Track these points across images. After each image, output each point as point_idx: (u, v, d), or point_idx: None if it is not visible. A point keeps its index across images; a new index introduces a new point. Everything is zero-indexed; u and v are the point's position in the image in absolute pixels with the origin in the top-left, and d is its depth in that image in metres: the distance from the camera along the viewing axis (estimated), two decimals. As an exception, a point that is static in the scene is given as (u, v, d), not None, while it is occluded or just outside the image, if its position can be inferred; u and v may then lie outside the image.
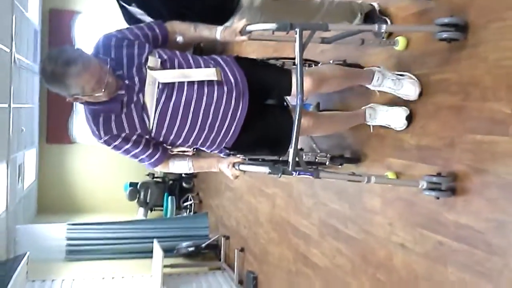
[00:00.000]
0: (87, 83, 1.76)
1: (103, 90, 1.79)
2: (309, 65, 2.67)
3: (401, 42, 2.40)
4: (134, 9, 2.18)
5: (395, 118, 2.38)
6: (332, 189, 3.18)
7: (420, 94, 2.28)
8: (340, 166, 2.86)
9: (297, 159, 1.88)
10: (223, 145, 2.11)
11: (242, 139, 2.09)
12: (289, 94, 2.10)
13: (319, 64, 2.67)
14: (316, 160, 2.86)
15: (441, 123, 2.16)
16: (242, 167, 2.02)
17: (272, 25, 1.85)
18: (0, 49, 5.22)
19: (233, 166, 2.04)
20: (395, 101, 2.41)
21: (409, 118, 2.35)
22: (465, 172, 2.02)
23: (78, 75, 1.73)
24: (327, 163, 2.83)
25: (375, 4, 2.63)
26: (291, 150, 1.86)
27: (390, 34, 2.49)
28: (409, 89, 2.27)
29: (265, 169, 1.90)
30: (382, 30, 2.07)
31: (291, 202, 3.94)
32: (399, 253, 2.46)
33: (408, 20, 2.42)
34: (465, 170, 2.02)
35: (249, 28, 1.94)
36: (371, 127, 2.52)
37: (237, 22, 1.99)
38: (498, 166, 1.87)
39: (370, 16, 2.61)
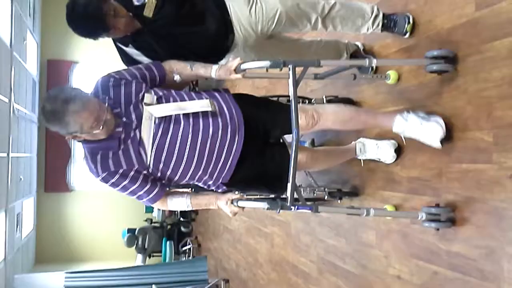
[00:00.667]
0: (86, 120, 1.78)
1: (101, 127, 1.82)
2: (303, 102, 2.77)
3: (392, 76, 2.47)
4: (131, 50, 2.25)
5: (384, 151, 2.44)
6: (329, 224, 3.20)
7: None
8: (339, 201, 2.89)
9: (295, 194, 1.86)
10: (220, 180, 2.10)
11: (239, 174, 2.08)
12: (290, 133, 2.06)
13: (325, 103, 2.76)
14: (315, 195, 2.89)
15: (428, 154, 2.22)
16: (241, 203, 2.00)
17: (266, 63, 1.90)
18: (-1, 99, 5.34)
19: (232, 202, 2.02)
20: (383, 135, 2.48)
21: (398, 151, 2.41)
22: (454, 201, 2.06)
23: (76, 113, 1.76)
24: (325, 197, 2.85)
25: (359, 44, 2.74)
26: (289, 184, 1.84)
27: (376, 70, 2.59)
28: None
29: (263, 205, 1.90)
30: (373, 65, 2.10)
31: (289, 240, 3.95)
32: (396, 286, 2.47)
33: (392, 58, 2.53)
34: (454, 199, 2.07)
35: (243, 66, 1.98)
36: (362, 161, 2.58)
37: (231, 61, 2.04)
38: (484, 193, 1.92)
39: (356, 56, 2.71)
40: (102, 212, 8.48)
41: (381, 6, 2.47)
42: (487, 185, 1.91)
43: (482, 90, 1.95)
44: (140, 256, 7.97)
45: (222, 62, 2.34)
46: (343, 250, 3.01)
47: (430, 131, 2.10)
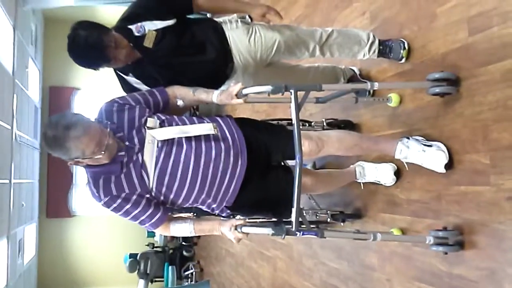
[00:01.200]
0: (87, 146, 1.78)
1: (103, 152, 1.82)
2: (303, 125, 2.79)
3: (394, 98, 2.49)
4: (131, 79, 2.28)
5: (384, 174, 2.47)
6: (331, 247, 3.21)
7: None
8: (342, 224, 2.88)
9: (300, 218, 1.83)
10: (224, 204, 2.09)
11: (243, 198, 2.07)
12: (293, 158, 1.98)
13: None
14: (317, 218, 2.87)
15: (426, 176, 2.25)
16: (245, 229, 1.95)
17: (268, 88, 1.91)
18: (1, 126, 5.38)
19: (235, 228, 1.98)
20: (382, 158, 2.51)
21: (397, 174, 2.43)
22: (461, 224, 2.07)
23: (78, 139, 1.76)
24: (328, 220, 2.85)
25: (355, 69, 2.79)
26: (293, 209, 1.81)
27: (373, 93, 2.64)
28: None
29: (268, 231, 1.86)
30: (375, 88, 2.09)
31: (292, 264, 3.94)
32: (399, 309, 2.47)
33: (422, 66, 2.40)
34: (454, 221, 2.08)
35: (245, 91, 1.98)
36: (362, 184, 2.60)
37: (233, 86, 2.03)
38: (483, 215, 1.94)
39: (353, 80, 2.76)
40: (104, 237, 8.46)
41: (376, 33, 2.52)
42: (486, 207, 1.93)
43: (478, 113, 1.99)
44: (142, 282, 7.91)
45: (223, 88, 2.37)
46: (346, 274, 3.01)
47: (434, 158, 2.13)
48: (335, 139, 2.20)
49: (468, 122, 2.03)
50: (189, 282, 7.83)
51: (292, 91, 1.88)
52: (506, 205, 1.84)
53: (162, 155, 1.92)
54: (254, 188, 2.08)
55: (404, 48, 2.40)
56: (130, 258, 7.93)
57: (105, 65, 2.14)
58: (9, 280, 5.85)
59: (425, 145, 2.17)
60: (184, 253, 8.21)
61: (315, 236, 1.89)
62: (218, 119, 2.11)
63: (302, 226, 1.88)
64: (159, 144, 1.93)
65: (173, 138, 1.94)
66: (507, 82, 1.85)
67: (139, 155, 1.92)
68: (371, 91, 2.62)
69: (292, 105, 1.88)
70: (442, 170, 2.11)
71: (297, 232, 1.83)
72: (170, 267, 7.97)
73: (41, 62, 8.45)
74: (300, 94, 1.94)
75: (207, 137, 1.97)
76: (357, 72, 2.78)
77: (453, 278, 2.09)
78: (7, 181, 5.75)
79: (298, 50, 2.37)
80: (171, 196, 2.00)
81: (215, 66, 2.30)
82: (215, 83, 2.33)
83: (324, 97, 2.45)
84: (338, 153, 2.26)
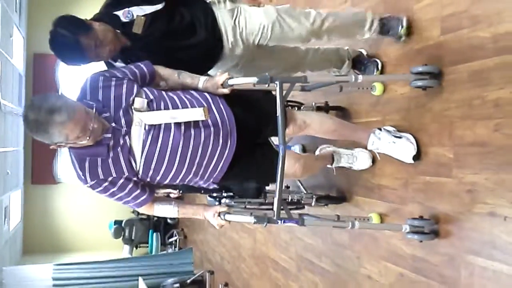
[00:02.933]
0: (71, 131, 1.72)
1: (88, 137, 1.77)
2: (292, 107, 2.77)
3: (378, 87, 2.53)
4: (120, 65, 2.22)
5: (362, 161, 2.58)
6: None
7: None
8: (326, 207, 2.95)
9: (282, 207, 1.88)
10: (211, 180, 2.10)
11: (230, 174, 2.10)
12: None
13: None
14: (302, 201, 2.90)
15: (396, 165, 2.39)
16: (228, 217, 2.01)
17: (253, 79, 1.91)
18: (-14, 96, 5.40)
19: (219, 215, 2.03)
20: (356, 145, 2.63)
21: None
22: (421, 211, 2.24)
23: (62, 124, 1.70)
24: (312, 204, 2.89)
25: (363, 50, 2.70)
26: (275, 199, 1.86)
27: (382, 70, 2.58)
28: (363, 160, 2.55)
29: (250, 219, 1.94)
30: (359, 81, 2.09)
31: (270, 237, 4.13)
32: (366, 285, 2.66)
33: (399, 60, 2.48)
34: (418, 208, 2.25)
35: (230, 82, 1.98)
36: (334, 169, 2.68)
37: (219, 76, 2.03)
38: (445, 205, 2.10)
39: (359, 60, 2.67)
40: (89, 204, 8.55)
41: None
42: (448, 197, 2.09)
43: (445, 110, 2.12)
44: (127, 247, 8.12)
45: (211, 72, 2.38)
46: (320, 249, 3.19)
47: (403, 149, 2.26)
48: (317, 122, 2.30)
49: (436, 118, 2.17)
50: (173, 249, 8.05)
51: (278, 82, 1.90)
52: (465, 196, 1.99)
53: (150, 139, 1.89)
54: (241, 165, 2.09)
55: (402, 26, 2.35)
56: (115, 224, 8.11)
57: (85, 63, 2.09)
58: (-4, 246, 5.99)
59: (395, 136, 2.30)
60: (168, 220, 8.39)
61: (296, 224, 1.97)
62: (209, 98, 2.05)
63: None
64: (147, 127, 1.88)
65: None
66: (473, 83, 1.97)
67: (126, 138, 1.87)
68: (379, 67, 2.56)
69: (278, 96, 1.90)
70: (410, 160, 2.25)
71: (278, 221, 1.91)
72: (154, 233, 8.17)
73: (26, 29, 8.33)
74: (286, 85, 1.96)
75: (196, 121, 1.94)
76: (364, 52, 2.68)
77: (416, 260, 2.27)
78: (-7, 150, 5.80)
79: (286, 36, 2.27)
80: (158, 178, 2.00)
81: (206, 47, 2.26)
82: (206, 65, 2.33)
83: (309, 85, 2.41)
84: (317, 135, 2.38)
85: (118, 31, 2.12)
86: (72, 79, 8.53)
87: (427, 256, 2.20)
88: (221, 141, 1.99)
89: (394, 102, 2.46)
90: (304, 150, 3.30)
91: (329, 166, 2.65)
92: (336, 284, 2.99)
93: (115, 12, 2.12)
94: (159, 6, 2.14)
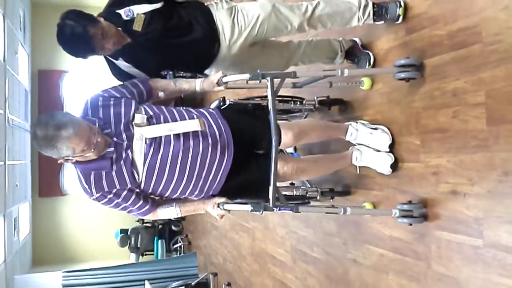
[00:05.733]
0: (77, 145, 1.82)
1: (92, 150, 1.87)
2: (295, 102, 2.81)
3: (366, 82, 2.63)
4: (121, 63, 2.34)
5: (381, 163, 2.51)
6: (300, 218, 3.60)
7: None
8: (331, 200, 2.95)
9: (277, 195, 1.97)
10: (211, 193, 2.20)
11: (228, 186, 2.19)
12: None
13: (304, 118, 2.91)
14: (308, 194, 2.94)
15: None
16: (227, 206, 2.13)
17: (246, 76, 2.01)
18: (-5, 111, 5.66)
19: (218, 206, 2.15)
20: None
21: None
22: (394, 194, 2.46)
23: (68, 139, 1.80)
24: (318, 197, 2.92)
25: (357, 39, 2.75)
26: (270, 187, 1.95)
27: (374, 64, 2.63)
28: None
29: (247, 207, 2.02)
30: (345, 75, 2.14)
31: (267, 233, 4.36)
32: (353, 268, 2.88)
33: (392, 52, 2.53)
34: (393, 192, 2.47)
35: (225, 79, 2.11)
36: (358, 168, 2.64)
37: (214, 74, 2.14)
38: (414, 188, 2.33)
39: (353, 52, 2.73)
40: (95, 214, 8.72)
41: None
42: (417, 180, 2.31)
43: (411, 102, 2.35)
44: (133, 255, 8.27)
45: (207, 72, 2.49)
46: (312, 240, 3.42)
47: (379, 139, 2.47)
48: (311, 130, 2.46)
49: (404, 109, 2.40)
50: (177, 255, 8.22)
51: (269, 78, 1.99)
52: (431, 178, 2.22)
53: (151, 152, 1.99)
54: (239, 176, 2.18)
55: (401, 6, 2.36)
56: (121, 233, 8.24)
57: (91, 55, 2.18)
58: (7, 257, 6.20)
59: (371, 128, 2.52)
60: (173, 227, 8.56)
61: (291, 211, 2.06)
62: (205, 112, 2.19)
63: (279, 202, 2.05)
64: (148, 141, 1.99)
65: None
66: (434, 76, 2.20)
67: (128, 152, 1.98)
68: (371, 61, 2.62)
69: (269, 92, 1.99)
70: (386, 149, 2.48)
71: (274, 208, 1.99)
72: (159, 241, 8.32)
73: (30, 46, 8.63)
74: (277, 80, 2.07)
75: (194, 132, 2.04)
76: (359, 42, 2.74)
77: (393, 240, 2.49)
78: (2, 162, 6.04)
79: (283, 26, 2.37)
80: (159, 189, 2.10)
81: (203, 45, 2.36)
82: (203, 63, 2.43)
83: (300, 82, 2.56)
84: (311, 141, 2.56)
85: (120, 28, 2.24)
86: (76, 94, 8.80)
87: (401, 236, 2.42)
88: (218, 153, 2.09)
89: (370, 97, 2.69)
90: (295, 150, 3.41)
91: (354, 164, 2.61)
92: (327, 271, 3.20)
93: (117, 11, 2.25)
94: (158, 5, 2.27)
